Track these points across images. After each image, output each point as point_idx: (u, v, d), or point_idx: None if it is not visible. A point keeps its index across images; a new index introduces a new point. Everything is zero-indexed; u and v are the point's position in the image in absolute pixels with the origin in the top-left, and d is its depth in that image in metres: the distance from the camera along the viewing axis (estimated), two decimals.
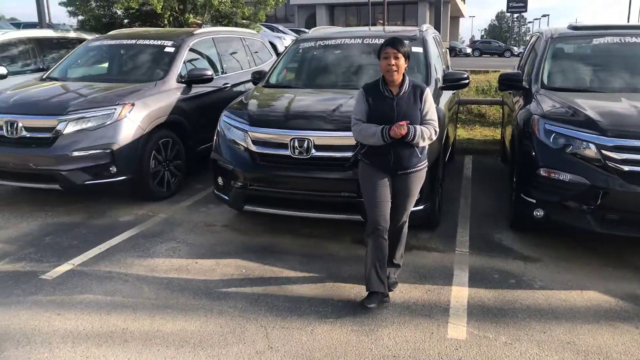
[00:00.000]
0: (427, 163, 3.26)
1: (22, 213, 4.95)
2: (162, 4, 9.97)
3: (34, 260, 3.92)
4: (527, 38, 9.94)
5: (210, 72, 5.84)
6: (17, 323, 3.05)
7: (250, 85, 5.94)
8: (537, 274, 3.67)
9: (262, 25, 13.94)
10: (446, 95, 5.12)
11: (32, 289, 3.47)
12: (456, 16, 51.45)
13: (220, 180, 4.40)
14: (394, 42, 3.04)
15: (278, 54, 7.61)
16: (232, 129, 4.32)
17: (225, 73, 6.68)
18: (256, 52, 7.71)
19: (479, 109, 9.20)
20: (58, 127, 4.74)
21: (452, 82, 4.96)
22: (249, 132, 4.16)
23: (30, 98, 5.20)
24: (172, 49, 5.98)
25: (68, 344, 2.85)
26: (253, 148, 4.12)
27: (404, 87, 3.09)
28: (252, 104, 4.53)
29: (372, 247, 3.17)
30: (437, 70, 5.15)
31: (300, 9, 42.39)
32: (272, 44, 9.72)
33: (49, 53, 7.45)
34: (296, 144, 3.94)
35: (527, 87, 4.96)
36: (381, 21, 33.31)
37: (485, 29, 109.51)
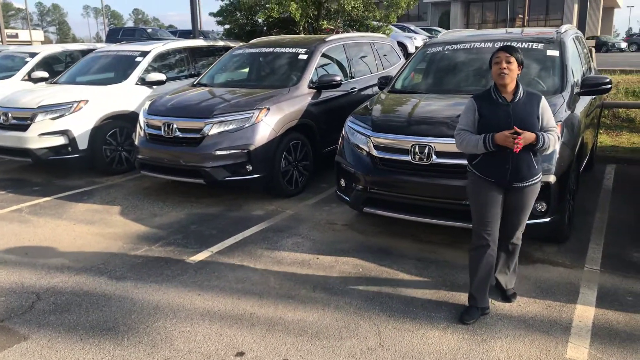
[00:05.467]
0: (541, 176, 3.17)
1: (172, 203, 5.67)
2: (300, 12, 10.57)
3: (181, 245, 4.51)
4: None
5: (339, 78, 6.12)
6: (167, 299, 3.57)
7: (377, 88, 6.11)
8: None
9: (393, 25, 14.01)
10: (584, 101, 4.80)
11: (179, 270, 4.01)
12: (610, 7, 46.31)
13: (342, 182, 4.63)
14: (507, 47, 3.06)
15: (408, 55, 7.67)
16: (355, 134, 4.53)
17: (354, 77, 6.92)
18: (385, 55, 7.86)
19: (627, 113, 8.36)
20: (205, 129, 5.37)
21: (591, 87, 4.65)
22: (371, 138, 4.33)
23: (184, 102, 5.93)
24: (305, 56, 6.38)
25: (206, 321, 3.28)
26: (374, 153, 4.28)
27: (518, 94, 3.03)
28: (376, 110, 4.68)
29: (476, 262, 3.17)
30: (575, 74, 4.84)
31: (433, 6, 41.49)
32: (402, 44, 9.79)
33: (199, 60, 8.35)
34: (417, 150, 4.02)
35: None
36: (521, 16, 31.33)
37: None
